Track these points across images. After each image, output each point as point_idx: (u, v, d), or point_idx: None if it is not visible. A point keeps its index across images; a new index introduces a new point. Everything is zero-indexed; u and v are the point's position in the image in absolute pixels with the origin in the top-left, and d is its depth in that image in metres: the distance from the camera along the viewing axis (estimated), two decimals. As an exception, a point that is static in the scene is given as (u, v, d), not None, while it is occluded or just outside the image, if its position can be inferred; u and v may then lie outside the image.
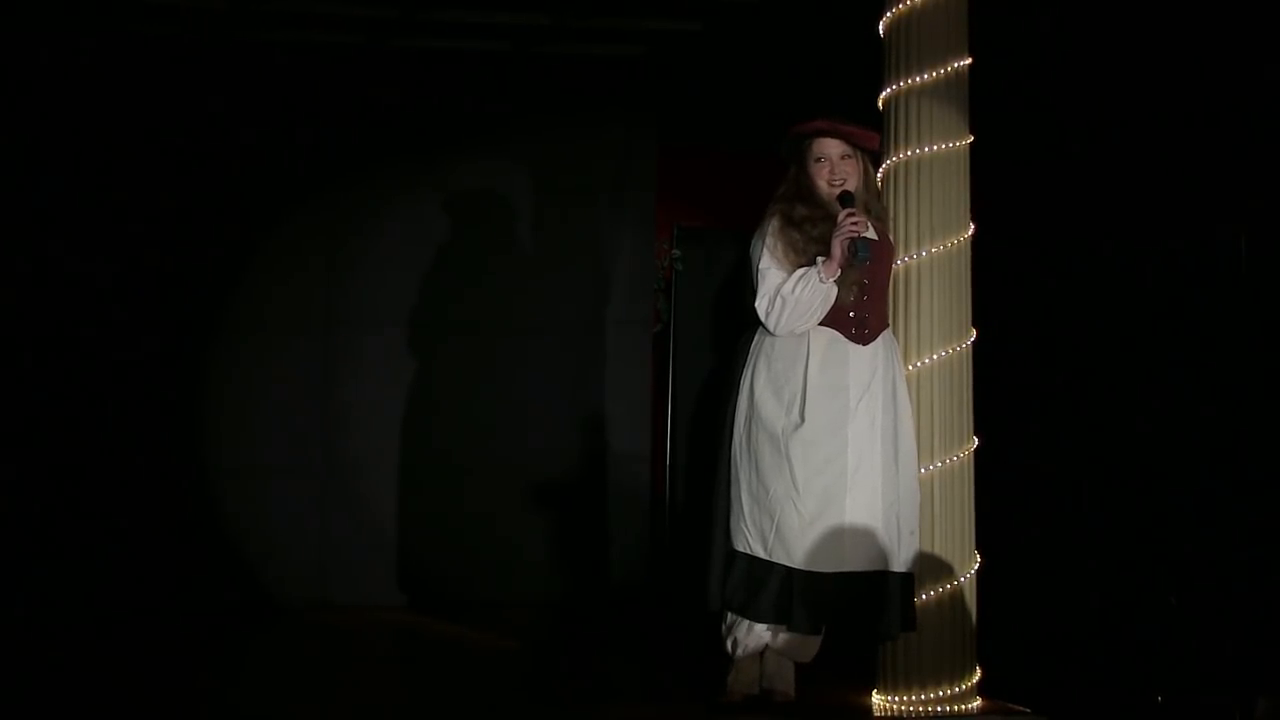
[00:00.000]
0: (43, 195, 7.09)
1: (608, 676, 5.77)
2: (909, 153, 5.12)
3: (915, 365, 5.11)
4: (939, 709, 5.05)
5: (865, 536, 5.00)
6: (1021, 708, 5.14)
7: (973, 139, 5.21)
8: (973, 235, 5.20)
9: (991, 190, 5.42)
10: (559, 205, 7.70)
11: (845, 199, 5.08)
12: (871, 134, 5.22)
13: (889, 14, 5.18)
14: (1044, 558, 6.30)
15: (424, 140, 7.55)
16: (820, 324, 5.09)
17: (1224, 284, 5.79)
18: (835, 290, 5.05)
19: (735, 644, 5.25)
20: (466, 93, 7.61)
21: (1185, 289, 5.96)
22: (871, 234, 5.15)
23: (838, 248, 5.00)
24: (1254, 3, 5.56)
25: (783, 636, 5.27)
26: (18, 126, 7.08)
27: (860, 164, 5.20)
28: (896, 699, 5.10)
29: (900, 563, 5.04)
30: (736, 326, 5.35)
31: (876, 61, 5.24)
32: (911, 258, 5.12)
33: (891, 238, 5.24)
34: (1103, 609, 5.92)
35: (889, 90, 5.18)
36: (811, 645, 5.29)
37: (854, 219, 5.00)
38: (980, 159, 5.25)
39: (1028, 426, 6.50)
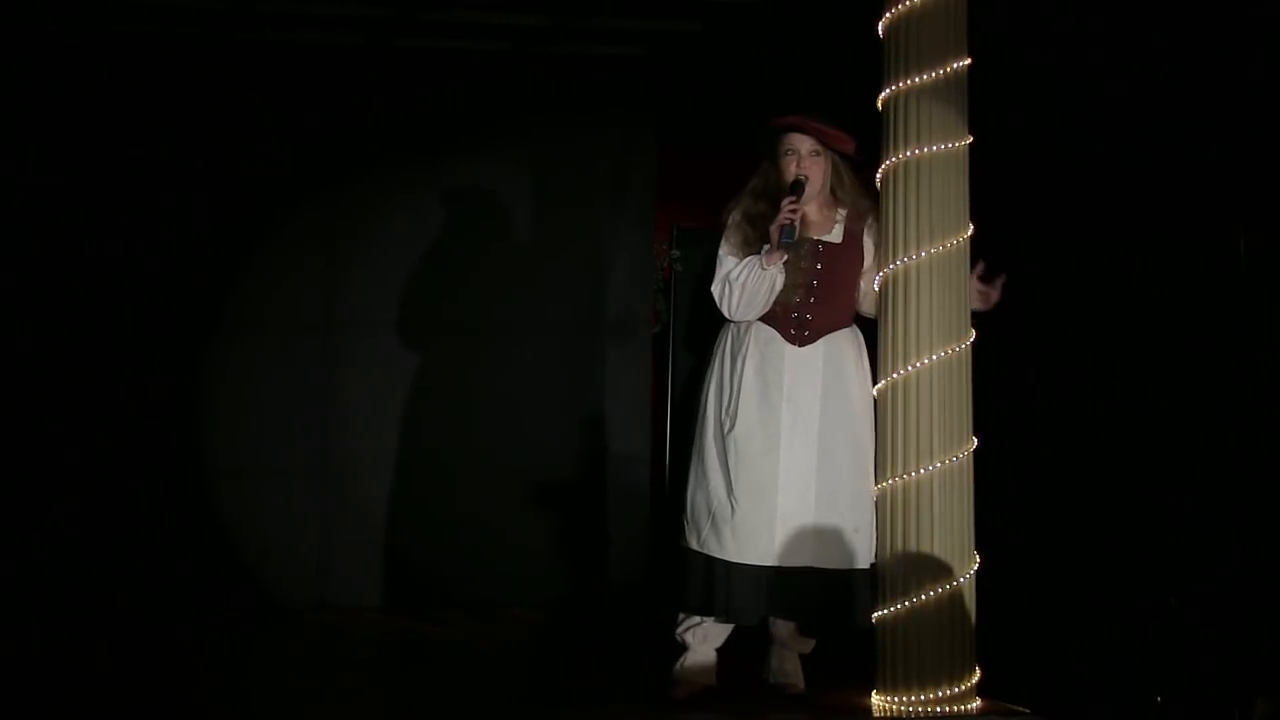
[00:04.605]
0: (41, 195, 7.09)
1: (608, 676, 5.77)
2: (908, 153, 5.12)
3: (915, 365, 5.11)
4: (939, 709, 5.05)
5: (798, 532, 5.16)
6: (1021, 708, 5.14)
7: (972, 139, 5.21)
8: (972, 235, 5.20)
9: (991, 190, 5.42)
10: (558, 205, 7.70)
11: (793, 187, 5.23)
12: (844, 136, 5.33)
13: (889, 14, 5.17)
14: (1044, 558, 6.29)
15: (423, 140, 7.55)
16: (764, 322, 5.27)
17: (1224, 284, 5.79)
18: (781, 277, 5.21)
19: (683, 635, 5.39)
20: (466, 93, 7.61)
21: (1185, 289, 5.96)
22: (834, 237, 5.32)
23: (774, 234, 5.15)
24: (1253, 2, 5.56)
25: (782, 630, 5.40)
26: (15, 126, 7.07)
27: (827, 163, 5.33)
28: (896, 699, 5.09)
29: (839, 560, 5.17)
30: (732, 326, 5.42)
31: (876, 61, 5.24)
32: (910, 258, 5.11)
33: (872, 241, 5.31)
34: (1103, 609, 5.92)
35: (888, 90, 5.18)
36: (806, 640, 5.49)
37: (791, 207, 5.14)
38: (980, 159, 5.25)
39: (1028, 426, 6.49)
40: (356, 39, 7.39)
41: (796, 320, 5.27)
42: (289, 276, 7.43)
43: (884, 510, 5.15)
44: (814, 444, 5.22)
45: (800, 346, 5.26)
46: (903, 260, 5.13)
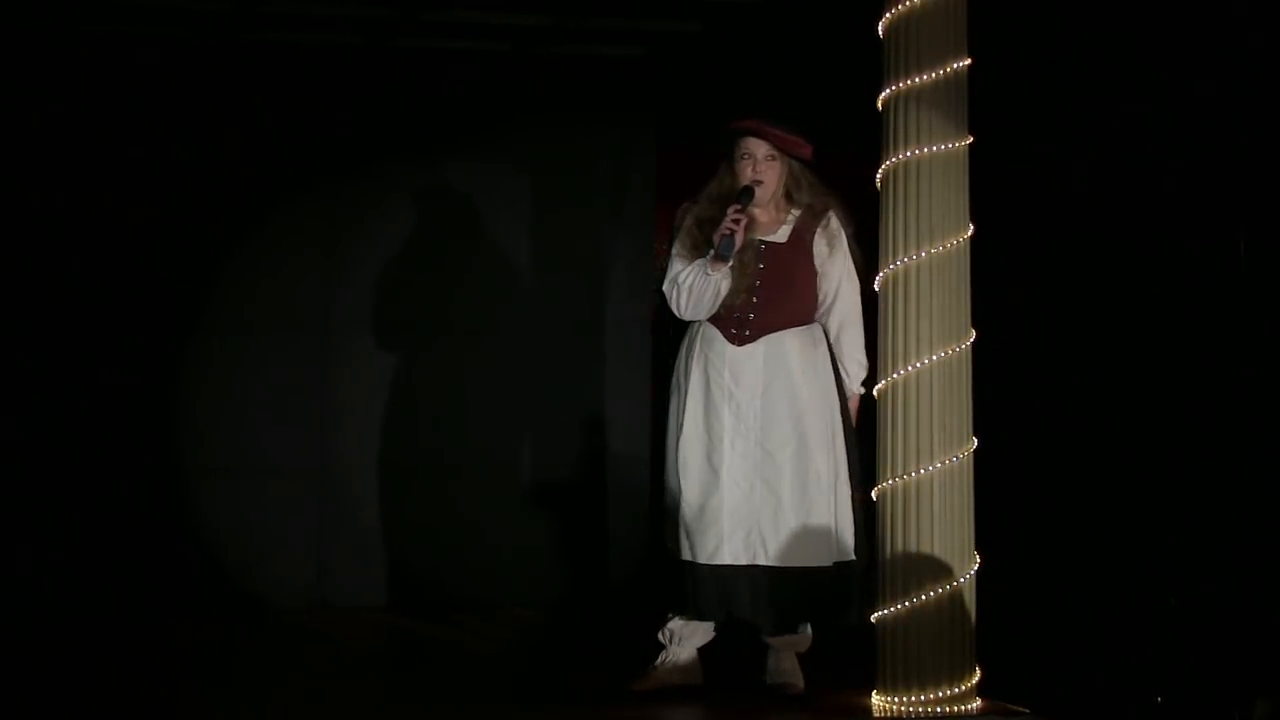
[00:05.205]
0: (34, 195, 7.07)
1: (607, 676, 5.77)
2: (908, 153, 5.12)
3: (915, 365, 5.11)
4: (939, 709, 5.05)
5: (744, 532, 5.25)
6: (1021, 708, 5.14)
7: (972, 139, 5.21)
8: (972, 235, 5.20)
9: (991, 190, 5.41)
10: (558, 205, 7.70)
11: (741, 194, 5.29)
12: (801, 141, 5.37)
13: (889, 14, 5.17)
14: (1044, 558, 6.30)
15: (423, 140, 7.56)
16: (711, 322, 5.36)
17: (1224, 284, 5.79)
18: (726, 282, 5.29)
19: (664, 634, 5.47)
20: (466, 93, 7.61)
21: (1185, 289, 5.96)
22: (780, 237, 5.37)
23: (716, 242, 5.24)
24: (1254, 3, 5.56)
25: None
26: (11, 125, 7.06)
27: (783, 166, 5.38)
28: (896, 699, 5.10)
29: (785, 558, 5.24)
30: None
31: (876, 61, 5.24)
32: (910, 258, 5.11)
33: (825, 243, 5.36)
34: (1103, 609, 5.92)
35: (888, 91, 5.18)
36: (803, 639, 5.49)
37: (735, 216, 5.22)
38: (980, 159, 5.25)
39: (1028, 426, 6.49)
40: (356, 39, 7.39)
41: (738, 320, 5.35)
42: (288, 277, 7.43)
43: (884, 510, 5.15)
44: (756, 443, 5.29)
45: (739, 346, 5.34)
46: (903, 260, 5.13)
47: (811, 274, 5.40)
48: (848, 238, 5.43)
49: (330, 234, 7.50)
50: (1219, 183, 5.78)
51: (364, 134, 7.48)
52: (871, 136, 5.26)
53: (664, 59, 7.69)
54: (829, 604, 5.32)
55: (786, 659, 5.52)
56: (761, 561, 5.26)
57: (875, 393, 5.23)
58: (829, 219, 5.42)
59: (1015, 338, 6.28)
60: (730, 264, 5.26)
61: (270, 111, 7.37)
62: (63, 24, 7.05)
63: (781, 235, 5.41)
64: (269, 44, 7.34)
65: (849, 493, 5.36)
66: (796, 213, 5.43)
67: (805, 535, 5.28)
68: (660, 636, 5.49)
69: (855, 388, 5.46)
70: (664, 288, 5.44)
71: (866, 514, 5.37)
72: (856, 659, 5.36)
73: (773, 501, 5.27)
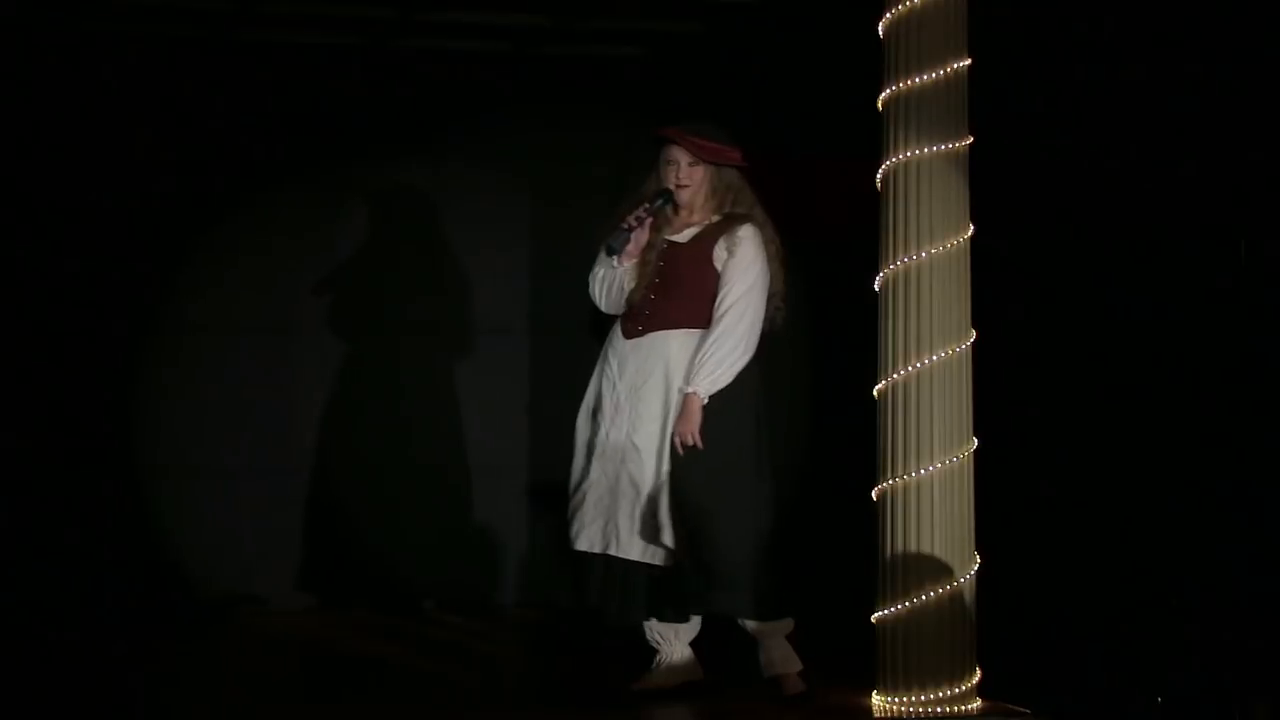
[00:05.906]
0: (19, 195, 7.07)
1: (608, 678, 5.77)
2: (909, 153, 5.12)
3: (915, 365, 5.11)
4: (939, 709, 5.05)
5: (604, 521, 5.35)
6: (1021, 708, 5.14)
7: (972, 139, 5.21)
8: (972, 235, 5.20)
9: (991, 190, 5.41)
10: (558, 205, 7.70)
11: (657, 195, 5.44)
12: (722, 149, 5.44)
13: (889, 14, 5.18)
14: (1044, 558, 6.29)
15: (423, 140, 7.56)
16: (621, 316, 5.52)
17: (1224, 285, 5.78)
18: (629, 277, 5.47)
19: (652, 637, 5.53)
20: (466, 93, 7.61)
21: (1185, 289, 5.96)
22: (683, 237, 5.45)
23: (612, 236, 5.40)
24: (1255, 3, 5.56)
25: (750, 621, 5.42)
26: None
27: (707, 174, 5.45)
28: (896, 699, 5.10)
29: (634, 552, 5.33)
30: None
31: (876, 61, 5.24)
32: (911, 258, 5.12)
33: (725, 248, 5.37)
34: (1103, 609, 5.91)
35: (888, 91, 5.18)
36: (783, 622, 5.48)
37: (638, 214, 5.40)
38: (980, 159, 5.25)
39: (1028, 426, 6.49)
40: (356, 39, 7.39)
41: (635, 314, 5.48)
42: (295, 277, 7.46)
43: (884, 510, 5.16)
44: (627, 436, 5.39)
45: (629, 340, 5.47)
46: (903, 260, 5.13)
47: (711, 278, 5.43)
48: (768, 256, 5.44)
49: (331, 234, 7.51)
50: (1219, 182, 5.78)
51: (363, 133, 7.48)
52: (871, 136, 5.26)
53: (664, 59, 7.69)
54: (676, 602, 5.37)
55: (776, 646, 5.50)
56: (613, 551, 5.36)
57: (875, 393, 5.23)
58: (738, 229, 5.43)
59: (1015, 338, 6.28)
60: (627, 257, 5.42)
61: (268, 111, 7.38)
62: (62, 23, 7.05)
63: (685, 236, 5.50)
64: (269, 44, 7.34)
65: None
66: (715, 219, 5.48)
67: (662, 534, 5.31)
68: (649, 640, 5.50)
69: (692, 387, 5.31)
70: (588, 278, 5.59)
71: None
72: (856, 659, 5.36)
73: (632, 495, 5.35)
